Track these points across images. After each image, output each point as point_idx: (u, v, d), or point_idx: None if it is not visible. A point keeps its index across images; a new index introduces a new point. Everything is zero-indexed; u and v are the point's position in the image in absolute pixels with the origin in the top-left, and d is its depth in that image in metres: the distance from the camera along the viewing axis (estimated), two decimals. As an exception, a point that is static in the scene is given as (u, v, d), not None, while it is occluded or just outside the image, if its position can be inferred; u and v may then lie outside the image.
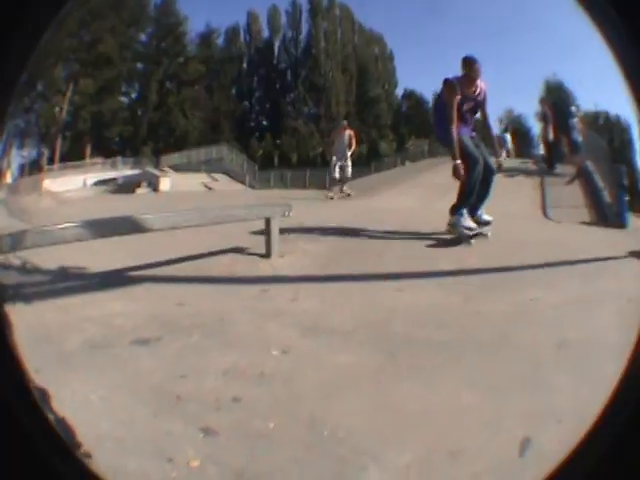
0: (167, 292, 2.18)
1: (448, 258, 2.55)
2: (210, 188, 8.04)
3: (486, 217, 3.24)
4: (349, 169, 5.99)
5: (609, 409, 0.59)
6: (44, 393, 1.07)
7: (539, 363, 1.25)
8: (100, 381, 1.28)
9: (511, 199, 4.18)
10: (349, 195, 5.86)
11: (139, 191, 8.45)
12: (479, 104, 3.36)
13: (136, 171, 9.91)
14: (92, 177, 9.50)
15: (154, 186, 8.80)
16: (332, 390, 1.20)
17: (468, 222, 3.09)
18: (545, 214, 4.00)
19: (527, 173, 6.22)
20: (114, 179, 9.30)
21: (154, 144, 10.49)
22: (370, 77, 9.53)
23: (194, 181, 8.57)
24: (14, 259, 2.71)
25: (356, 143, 5.92)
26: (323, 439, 0.98)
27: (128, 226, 2.48)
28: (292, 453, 0.95)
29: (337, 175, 5.91)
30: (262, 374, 1.29)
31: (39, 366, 1.24)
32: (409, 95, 10.19)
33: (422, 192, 5.16)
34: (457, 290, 1.99)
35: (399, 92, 10.37)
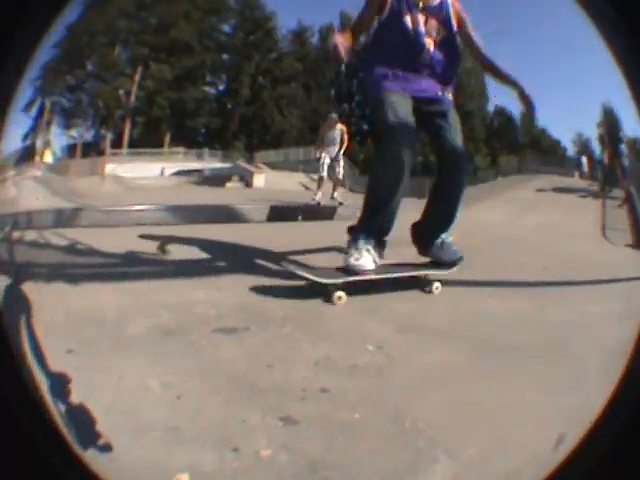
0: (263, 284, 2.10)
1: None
2: (308, 188, 7.68)
3: (451, 251, 2.02)
4: (341, 169, 5.34)
5: (609, 409, 0.59)
6: (64, 378, 1.06)
7: (586, 367, 1.33)
8: (165, 367, 1.22)
9: (577, 219, 4.54)
10: (341, 204, 5.01)
11: (229, 185, 8.03)
12: (443, 19, 1.85)
13: (226, 165, 9.33)
14: (172, 166, 9.11)
15: (247, 181, 8.35)
16: (419, 385, 1.22)
17: (363, 259, 1.86)
18: (604, 235, 4.21)
19: (594, 195, 6.59)
20: (199, 170, 8.89)
21: (247, 139, 10.15)
22: (464, 91, 9.44)
23: (291, 180, 8.25)
24: (58, 238, 2.72)
25: (348, 139, 5.06)
26: (404, 431, 0.99)
27: (225, 215, 2.36)
28: (372, 444, 0.94)
29: (325, 174, 5.32)
30: (355, 367, 1.29)
31: (78, 348, 1.27)
32: (500, 112, 10.11)
33: (510, 207, 5.45)
34: (531, 299, 2.09)
35: (490, 108, 10.25)
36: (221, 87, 11.07)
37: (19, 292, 1.74)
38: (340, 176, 5.39)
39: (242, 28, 10.53)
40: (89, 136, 11.25)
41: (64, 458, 0.63)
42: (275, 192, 6.68)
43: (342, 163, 5.38)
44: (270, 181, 8.24)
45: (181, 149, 10.31)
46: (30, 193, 6.47)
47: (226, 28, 10.81)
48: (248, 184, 8.27)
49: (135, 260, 2.47)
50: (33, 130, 11.32)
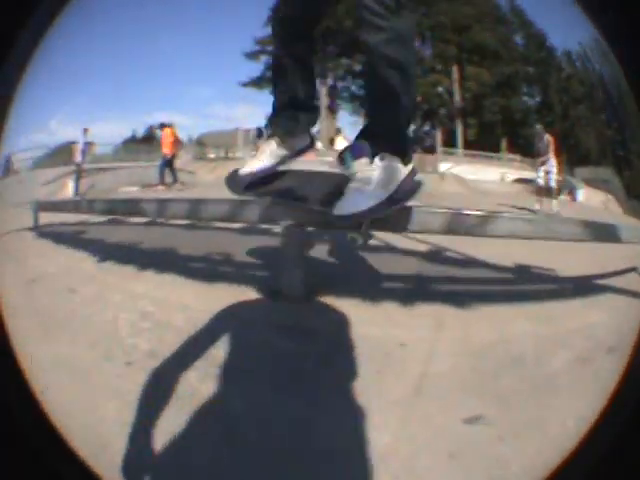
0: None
1: None
2: (605, 207, 7.75)
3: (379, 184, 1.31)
4: (553, 175, 5.38)
5: (609, 409, 0.59)
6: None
7: None
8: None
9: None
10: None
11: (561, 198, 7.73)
12: None
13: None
14: (510, 173, 8.95)
15: (574, 195, 8.43)
16: None
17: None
18: None
19: None
20: (531, 180, 9.16)
21: (567, 155, 10.19)
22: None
23: (598, 198, 8.16)
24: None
25: (554, 150, 5.41)
26: None
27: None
28: None
29: (542, 181, 5.44)
30: None
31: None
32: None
33: None
34: None
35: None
36: (537, 99, 10.57)
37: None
38: (553, 183, 5.43)
39: (531, 43, 10.43)
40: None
41: (64, 458, 0.62)
42: (595, 210, 6.23)
43: (555, 169, 5.43)
44: (586, 198, 8.11)
45: (517, 157, 9.78)
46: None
47: (518, 40, 10.27)
48: (574, 198, 8.18)
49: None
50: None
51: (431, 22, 10.05)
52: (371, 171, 1.19)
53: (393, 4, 1.14)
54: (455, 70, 10.17)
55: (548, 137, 5.51)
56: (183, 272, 2.01)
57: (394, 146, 1.22)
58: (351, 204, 1.15)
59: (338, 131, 11.45)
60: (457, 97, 10.31)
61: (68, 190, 6.49)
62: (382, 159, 1.20)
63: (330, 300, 1.55)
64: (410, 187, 1.21)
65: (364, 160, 1.22)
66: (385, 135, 1.24)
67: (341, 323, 1.37)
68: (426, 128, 10.66)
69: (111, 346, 1.41)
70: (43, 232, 3.24)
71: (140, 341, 1.44)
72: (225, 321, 1.41)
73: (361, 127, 1.40)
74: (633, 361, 0.61)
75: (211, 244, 2.38)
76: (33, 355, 1.14)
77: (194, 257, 2.27)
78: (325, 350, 1.29)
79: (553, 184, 5.44)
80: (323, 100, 10.96)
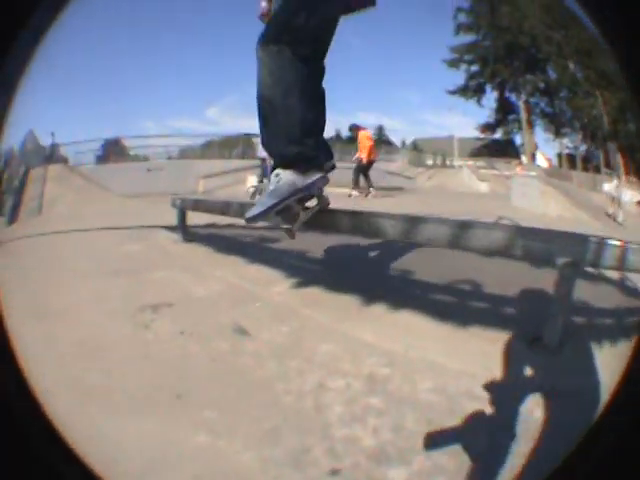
0: None
1: None
2: None
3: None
4: (621, 189, 6.17)
5: (609, 409, 0.59)
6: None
7: None
8: None
9: None
10: (621, 224, 5.65)
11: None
12: None
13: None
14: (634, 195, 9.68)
15: None
16: None
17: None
18: None
19: None
20: None
21: None
22: None
23: None
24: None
25: (624, 174, 5.94)
26: None
27: None
28: None
29: (614, 194, 6.17)
30: None
31: None
32: None
33: None
34: None
35: None
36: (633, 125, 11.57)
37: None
38: (620, 196, 6.20)
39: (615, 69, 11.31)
40: (582, 149, 11.72)
41: (64, 458, 0.63)
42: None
43: (622, 184, 6.30)
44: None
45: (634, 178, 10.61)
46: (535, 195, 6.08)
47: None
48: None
49: None
50: (497, 124, 11.75)
51: (573, 46, 10.51)
52: (269, 184, 1.44)
53: (265, 40, 1.36)
54: (598, 94, 10.71)
55: (618, 156, 6.34)
56: (423, 309, 1.40)
57: (283, 161, 1.42)
58: (250, 210, 1.40)
59: (536, 146, 11.86)
60: (605, 120, 10.88)
61: (250, 185, 6.13)
62: (275, 175, 1.42)
63: (576, 348, 1.28)
64: (290, 193, 1.40)
65: (269, 176, 1.48)
66: (272, 152, 1.47)
67: (592, 382, 1.06)
68: (592, 149, 11.44)
69: (305, 439, 0.84)
70: (194, 235, 2.43)
71: (361, 432, 0.86)
72: (491, 391, 0.97)
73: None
74: (633, 361, 0.61)
75: (447, 270, 1.82)
76: (128, 440, 0.81)
77: (433, 286, 1.67)
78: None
79: (620, 197, 6.15)
80: (523, 114, 11.39)
